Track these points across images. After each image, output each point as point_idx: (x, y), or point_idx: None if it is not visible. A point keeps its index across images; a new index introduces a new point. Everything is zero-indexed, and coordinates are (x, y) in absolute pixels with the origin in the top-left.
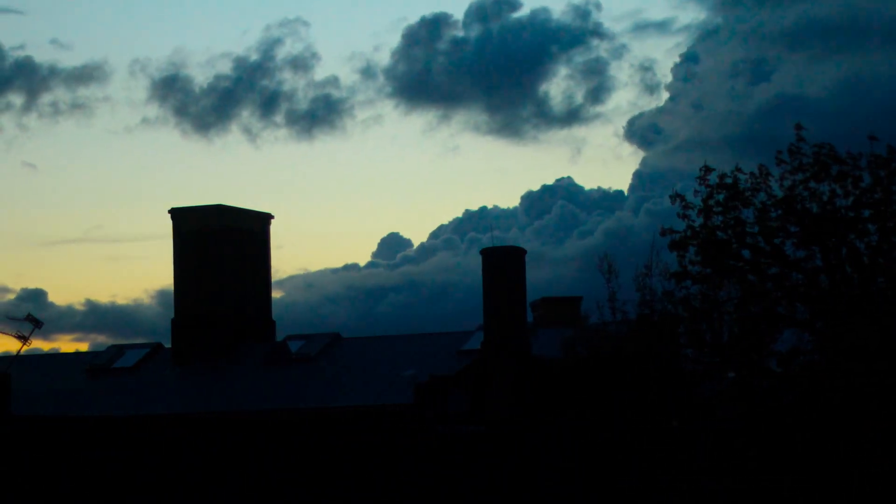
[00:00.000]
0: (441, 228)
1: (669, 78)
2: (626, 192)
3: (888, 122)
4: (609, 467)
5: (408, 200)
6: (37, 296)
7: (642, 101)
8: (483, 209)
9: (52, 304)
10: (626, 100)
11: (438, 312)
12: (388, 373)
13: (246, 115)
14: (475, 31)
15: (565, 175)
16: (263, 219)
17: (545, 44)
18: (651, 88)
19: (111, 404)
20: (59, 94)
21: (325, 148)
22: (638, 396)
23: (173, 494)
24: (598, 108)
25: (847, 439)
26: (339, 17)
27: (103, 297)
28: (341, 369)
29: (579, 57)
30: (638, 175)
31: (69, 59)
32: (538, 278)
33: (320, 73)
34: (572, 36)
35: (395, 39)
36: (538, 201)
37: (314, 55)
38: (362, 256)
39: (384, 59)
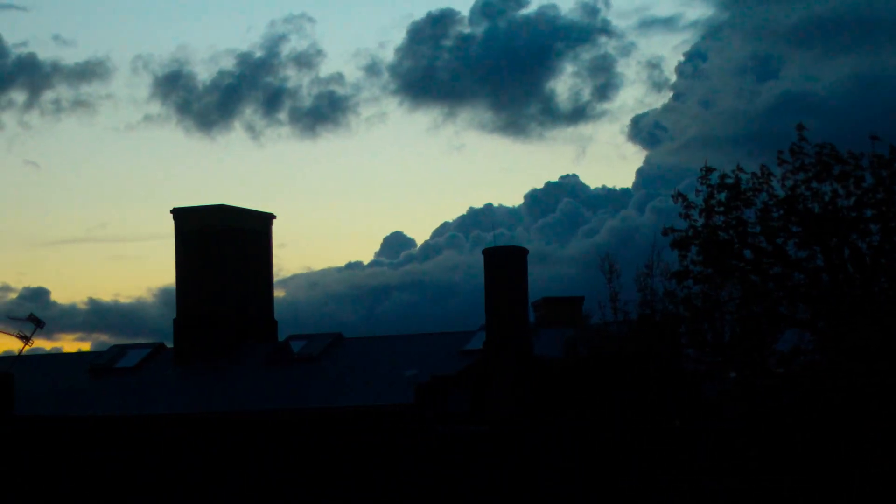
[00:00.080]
0: (445, 226)
1: (677, 75)
2: (631, 191)
3: None
4: (609, 467)
5: (412, 199)
6: (39, 294)
7: (650, 98)
8: (488, 206)
9: (54, 303)
10: (633, 97)
11: (443, 311)
12: (390, 373)
13: (249, 112)
14: (481, 28)
15: (571, 173)
16: (265, 219)
17: (552, 41)
18: (658, 86)
19: (113, 404)
20: (62, 91)
21: (328, 146)
22: (639, 396)
23: (175, 494)
24: (605, 106)
25: (847, 439)
26: (345, 12)
27: (106, 296)
28: (343, 369)
29: (586, 54)
30: (644, 173)
31: (72, 56)
32: (542, 277)
33: (325, 70)
34: (579, 33)
35: (400, 36)
36: (543, 199)
37: (319, 52)
38: (366, 255)
39: (389, 55)
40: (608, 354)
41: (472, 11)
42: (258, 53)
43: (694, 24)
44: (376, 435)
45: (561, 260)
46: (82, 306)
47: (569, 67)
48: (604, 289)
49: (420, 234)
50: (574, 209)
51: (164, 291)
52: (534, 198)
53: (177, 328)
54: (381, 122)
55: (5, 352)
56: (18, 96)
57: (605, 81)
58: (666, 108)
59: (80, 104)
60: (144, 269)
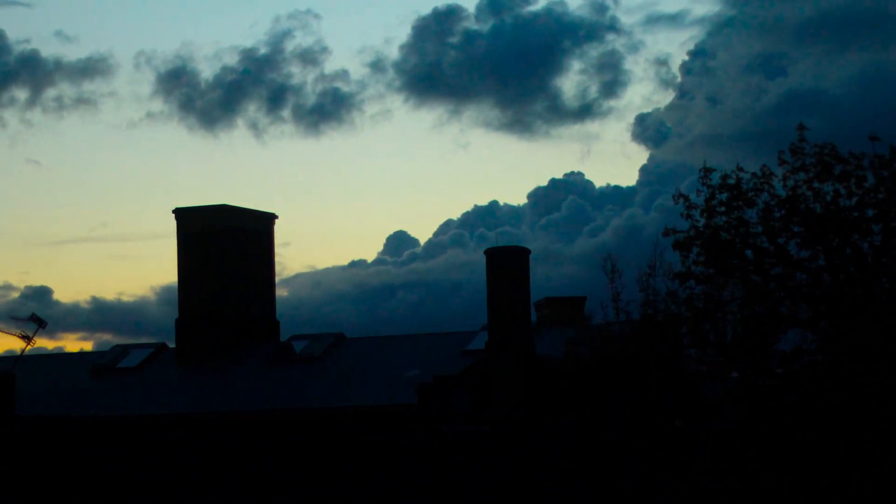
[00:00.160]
0: (448, 223)
1: (683, 72)
2: (637, 189)
3: None
4: (609, 467)
5: (416, 197)
6: (42, 293)
7: (657, 95)
8: (494, 203)
9: (57, 302)
10: (640, 94)
11: (447, 309)
12: (392, 373)
13: (253, 109)
14: (488, 25)
15: (577, 171)
16: (267, 219)
17: (559, 37)
18: (666, 83)
19: (115, 404)
20: (64, 88)
21: (332, 143)
22: (640, 396)
23: (177, 495)
24: (612, 103)
25: (847, 439)
26: (351, 8)
27: (109, 294)
28: (345, 369)
29: (593, 51)
30: (649, 172)
31: (74, 52)
32: (547, 276)
33: (329, 67)
34: (587, 30)
35: (406, 32)
36: (547, 197)
37: (324, 49)
38: (370, 253)
39: (395, 52)
40: (610, 354)
41: (479, 8)
42: (262, 50)
43: (701, 21)
44: (378, 435)
45: (566, 258)
46: (85, 305)
47: (576, 64)
48: (606, 289)
49: (424, 232)
50: (579, 207)
51: (167, 290)
52: (538, 196)
53: (179, 329)
54: (385, 119)
55: (7, 351)
56: (20, 94)
57: (612, 79)
58: (672, 106)
59: (82, 101)
60: (147, 268)
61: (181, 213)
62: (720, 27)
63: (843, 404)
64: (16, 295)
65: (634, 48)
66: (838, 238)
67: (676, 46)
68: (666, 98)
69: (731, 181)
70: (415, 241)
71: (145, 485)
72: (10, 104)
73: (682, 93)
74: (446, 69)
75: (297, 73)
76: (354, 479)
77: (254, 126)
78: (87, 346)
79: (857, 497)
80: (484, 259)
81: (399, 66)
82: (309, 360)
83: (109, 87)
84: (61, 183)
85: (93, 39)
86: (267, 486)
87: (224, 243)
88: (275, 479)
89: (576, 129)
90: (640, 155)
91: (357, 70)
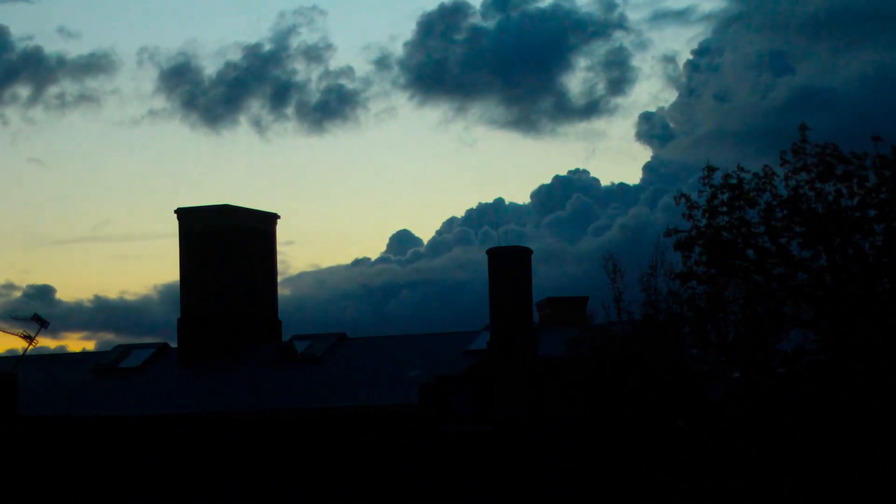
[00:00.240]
0: (452, 220)
1: (689, 69)
2: (643, 187)
3: None
4: (609, 467)
5: (420, 195)
6: (45, 292)
7: (665, 93)
8: (499, 201)
9: (60, 301)
10: (647, 92)
11: (451, 308)
12: (394, 373)
13: (256, 107)
14: (494, 21)
15: (582, 168)
16: (269, 218)
17: (566, 34)
18: (673, 80)
19: (117, 404)
20: (66, 85)
21: (336, 141)
22: (641, 396)
23: (179, 494)
24: (618, 101)
25: (847, 439)
26: (357, 4)
27: (112, 293)
28: (347, 369)
29: (600, 48)
30: (656, 169)
31: (77, 49)
32: (551, 275)
33: (334, 64)
34: (593, 26)
35: (412, 29)
36: (552, 195)
37: (329, 45)
38: (374, 252)
39: (400, 49)
40: (612, 354)
41: (485, 4)
42: (267, 46)
43: (707, 17)
44: (379, 435)
45: (571, 257)
46: (88, 304)
47: (582, 62)
48: (608, 288)
49: (429, 230)
50: (585, 205)
51: (170, 288)
52: (543, 193)
53: (181, 329)
54: (390, 117)
55: (9, 351)
56: (23, 91)
57: (618, 76)
58: (679, 104)
59: (84, 99)
60: (150, 267)
61: (183, 213)
62: (727, 24)
63: (845, 404)
64: (18, 294)
65: (642, 45)
66: (840, 238)
67: (683, 43)
68: (673, 95)
69: (733, 181)
70: (419, 239)
71: (147, 484)
72: (13, 101)
73: (689, 90)
74: (452, 66)
75: (301, 70)
76: (356, 478)
77: (257, 123)
78: (90, 345)
79: (857, 497)
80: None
81: (404, 63)
82: (310, 360)
83: (112, 85)
84: (64, 182)
85: (96, 35)
86: (268, 485)
87: (226, 243)
88: (276, 479)
89: (582, 126)
90: (646, 153)
91: (362, 67)
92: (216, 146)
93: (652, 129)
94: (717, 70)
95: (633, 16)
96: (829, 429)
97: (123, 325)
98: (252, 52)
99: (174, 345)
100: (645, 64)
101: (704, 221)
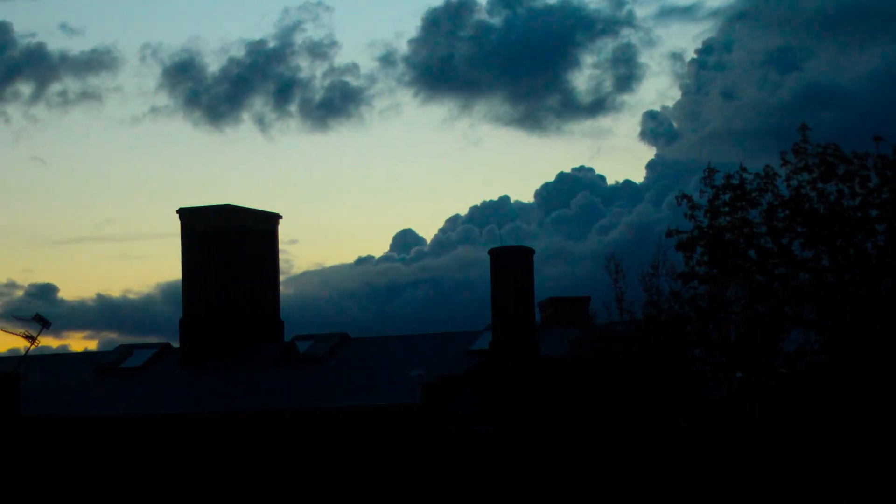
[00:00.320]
0: (457, 218)
1: (696, 66)
2: (649, 185)
3: None
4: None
5: (424, 193)
6: (47, 291)
7: (672, 91)
8: (504, 199)
9: (62, 300)
10: (653, 89)
11: (456, 306)
12: (396, 373)
13: (260, 104)
14: (500, 17)
15: (588, 166)
16: (271, 218)
17: (572, 31)
18: (680, 77)
19: (119, 404)
20: (69, 82)
21: (340, 139)
22: (644, 397)
23: (181, 495)
24: (625, 98)
25: (848, 439)
26: (362, 0)
27: (114, 293)
28: (349, 369)
29: (607, 45)
30: (661, 167)
31: (79, 45)
32: (556, 274)
33: (339, 61)
34: (601, 23)
35: (417, 25)
36: (557, 193)
37: (334, 42)
38: (377, 250)
39: (405, 45)
40: (614, 355)
41: (491, 1)
42: (271, 43)
43: (714, 13)
44: (383, 435)
45: (575, 256)
46: (91, 302)
47: (589, 59)
48: (611, 288)
49: (432, 229)
50: (590, 203)
51: (172, 288)
52: (548, 192)
53: (183, 329)
54: (395, 114)
55: (11, 350)
56: (25, 88)
57: (625, 73)
58: (685, 101)
59: (86, 96)
60: (152, 267)
61: (185, 213)
62: (734, 20)
63: (846, 404)
64: (20, 293)
65: (650, 42)
66: (842, 238)
67: (690, 39)
68: (679, 93)
69: (735, 181)
70: (422, 240)
71: (148, 484)
72: (15, 98)
73: (696, 88)
74: (457, 63)
75: (305, 67)
76: (358, 479)
77: (260, 121)
78: (92, 344)
79: (857, 497)
80: None
81: (409, 60)
82: (313, 360)
83: (115, 82)
84: (66, 180)
85: (98, 32)
86: (270, 485)
87: (228, 243)
88: (278, 479)
89: (588, 124)
90: (651, 151)
91: (366, 64)
92: (219, 144)
93: (657, 126)
94: (723, 68)
95: (641, 12)
96: (830, 429)
97: (126, 325)
98: (256, 48)
99: (176, 344)
100: (652, 61)
101: (706, 222)
